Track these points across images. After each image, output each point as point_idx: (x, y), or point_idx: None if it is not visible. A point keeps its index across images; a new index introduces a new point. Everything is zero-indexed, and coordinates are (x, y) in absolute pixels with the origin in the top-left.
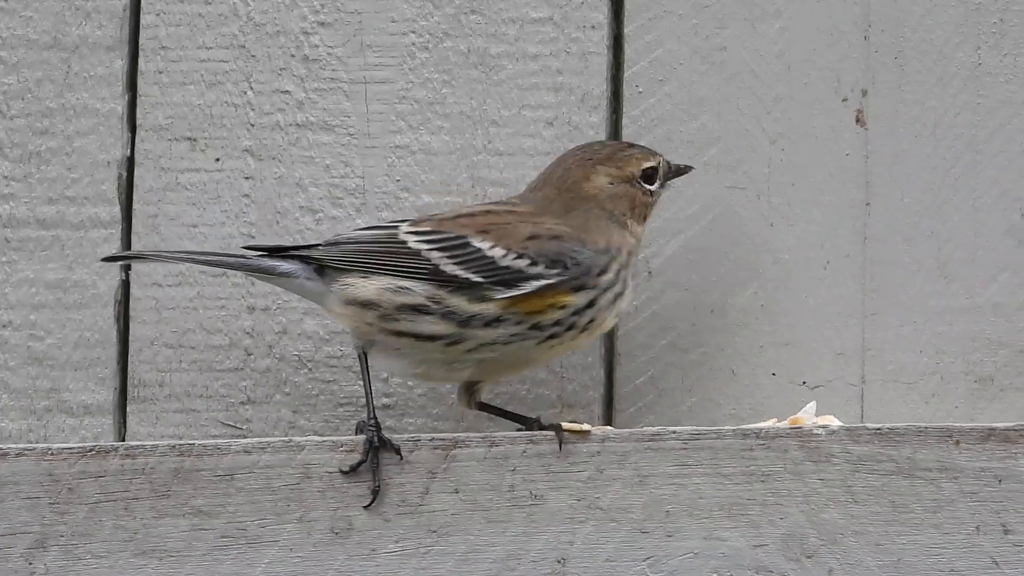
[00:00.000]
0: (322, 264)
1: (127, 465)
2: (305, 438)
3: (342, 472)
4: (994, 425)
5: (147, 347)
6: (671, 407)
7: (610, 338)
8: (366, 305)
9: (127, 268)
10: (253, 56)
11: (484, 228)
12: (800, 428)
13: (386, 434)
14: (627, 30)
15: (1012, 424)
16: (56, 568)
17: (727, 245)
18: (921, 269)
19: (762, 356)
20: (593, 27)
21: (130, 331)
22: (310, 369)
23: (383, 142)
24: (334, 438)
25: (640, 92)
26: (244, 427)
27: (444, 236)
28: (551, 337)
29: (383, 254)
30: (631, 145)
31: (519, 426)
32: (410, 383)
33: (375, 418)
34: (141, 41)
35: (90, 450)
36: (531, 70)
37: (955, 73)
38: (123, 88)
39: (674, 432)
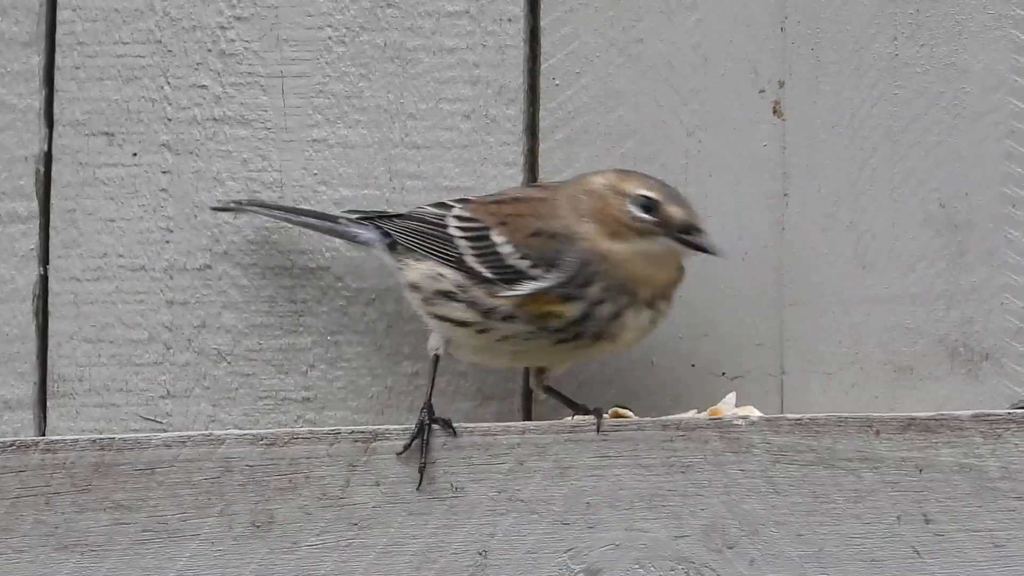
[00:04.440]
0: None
1: (47, 460)
2: (225, 432)
3: (397, 455)
4: (914, 415)
5: (66, 342)
6: (590, 399)
7: None
8: (413, 287)
9: (44, 264)
10: (170, 51)
11: (504, 219)
12: (720, 419)
13: (437, 413)
14: (543, 23)
15: (932, 413)
16: None
17: None
18: (839, 259)
19: (681, 347)
20: (509, 20)
21: (49, 326)
22: (229, 363)
23: (300, 136)
24: (254, 431)
25: (557, 85)
26: (164, 421)
27: (475, 225)
28: (560, 342)
29: (429, 236)
30: (661, 182)
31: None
32: (329, 376)
33: (430, 401)
34: (58, 36)
35: (10, 445)
36: (448, 63)
37: (871, 64)
38: (40, 83)
39: (594, 423)
